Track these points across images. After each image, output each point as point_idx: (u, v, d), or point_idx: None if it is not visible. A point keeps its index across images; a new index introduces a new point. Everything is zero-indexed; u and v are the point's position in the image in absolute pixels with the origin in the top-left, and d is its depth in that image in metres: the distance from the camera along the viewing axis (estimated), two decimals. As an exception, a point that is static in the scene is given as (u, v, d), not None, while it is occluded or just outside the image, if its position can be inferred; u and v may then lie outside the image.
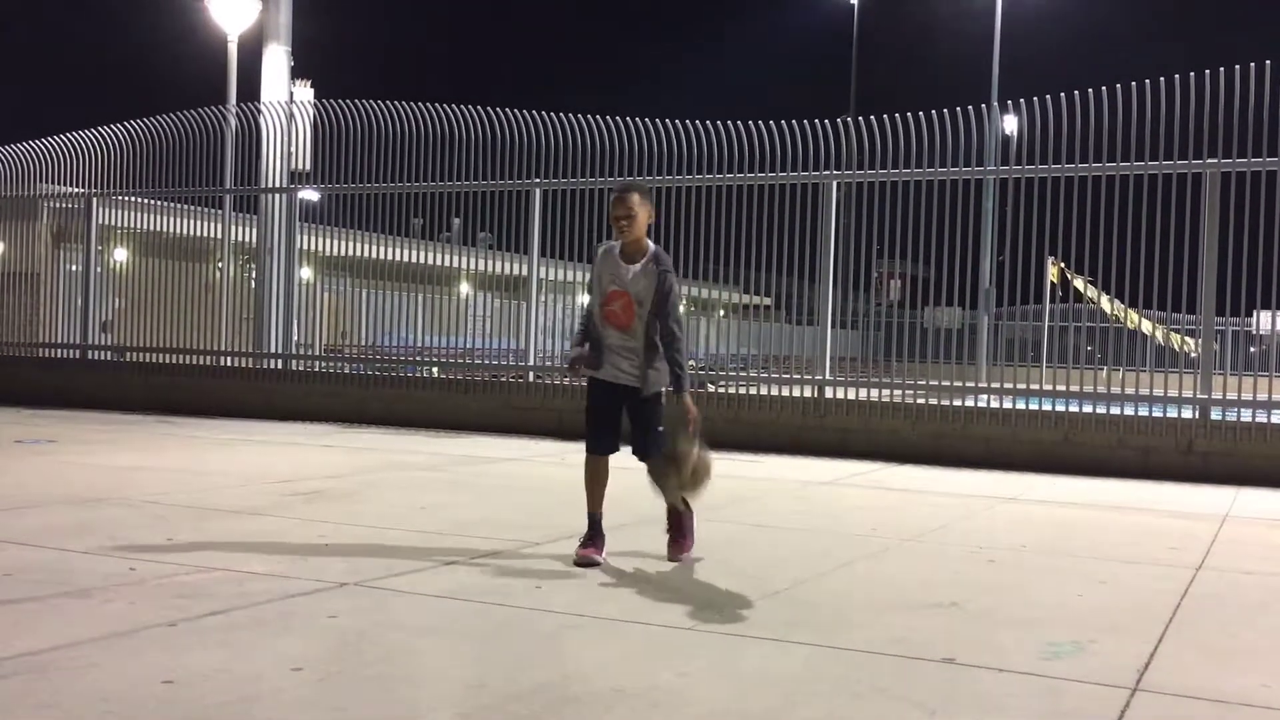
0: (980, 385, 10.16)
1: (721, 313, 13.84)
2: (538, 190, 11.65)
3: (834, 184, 10.51)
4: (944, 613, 4.18)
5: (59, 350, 13.86)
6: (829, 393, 10.37)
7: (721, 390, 10.98)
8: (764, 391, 10.64)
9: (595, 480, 5.08)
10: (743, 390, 10.78)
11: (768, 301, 12.02)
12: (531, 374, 11.69)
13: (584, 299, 12.92)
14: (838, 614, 4.11)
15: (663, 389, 5.04)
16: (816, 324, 10.69)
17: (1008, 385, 9.99)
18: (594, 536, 4.96)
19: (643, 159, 11.15)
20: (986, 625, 4.02)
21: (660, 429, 5.01)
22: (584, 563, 4.79)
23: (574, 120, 11.43)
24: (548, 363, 11.83)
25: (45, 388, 13.33)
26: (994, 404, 9.83)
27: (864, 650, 3.60)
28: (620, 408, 5.04)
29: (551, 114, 11.54)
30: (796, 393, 10.45)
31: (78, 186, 13.61)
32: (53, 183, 13.86)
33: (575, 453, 9.61)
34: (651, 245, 5.04)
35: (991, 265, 13.21)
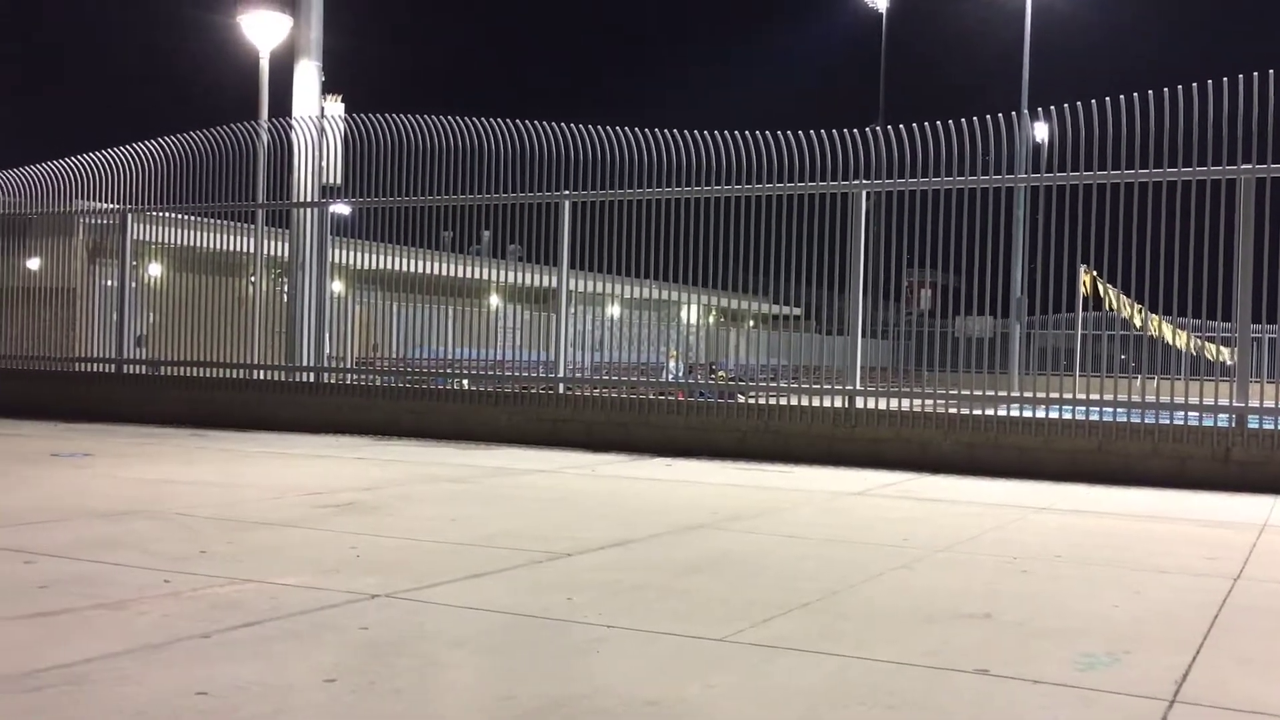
0: (1013, 395, 10.09)
1: (751, 323, 13.82)
2: (567, 202, 11.69)
3: (863, 193, 10.48)
4: (977, 624, 4.14)
5: (95, 364, 14.02)
6: (860, 403, 10.33)
7: (752, 400, 10.96)
8: (794, 402, 10.60)
9: None
10: (773, 400, 10.75)
11: (798, 311, 11.99)
12: (561, 386, 11.71)
13: (614, 311, 13.00)
14: (869, 625, 4.09)
15: None
16: (847, 334, 10.65)
17: (1040, 394, 9.92)
18: None
19: (671, 170, 11.17)
20: (1021, 636, 3.98)
21: None
22: None
23: (602, 132, 11.46)
24: (578, 374, 11.85)
25: (81, 401, 13.49)
26: (1027, 413, 9.76)
27: (896, 662, 3.57)
28: None
29: (580, 126, 11.59)
30: (827, 403, 10.41)
31: (112, 202, 13.78)
32: (88, 199, 14.05)
33: (606, 464, 9.68)
34: None
35: (1023, 274, 13.12)
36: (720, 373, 12.53)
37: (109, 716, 2.89)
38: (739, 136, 10.94)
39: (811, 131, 10.62)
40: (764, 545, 5.82)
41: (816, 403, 10.46)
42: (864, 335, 10.53)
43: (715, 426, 10.74)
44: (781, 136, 10.74)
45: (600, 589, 4.58)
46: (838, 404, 10.39)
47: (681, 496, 7.89)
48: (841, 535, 6.27)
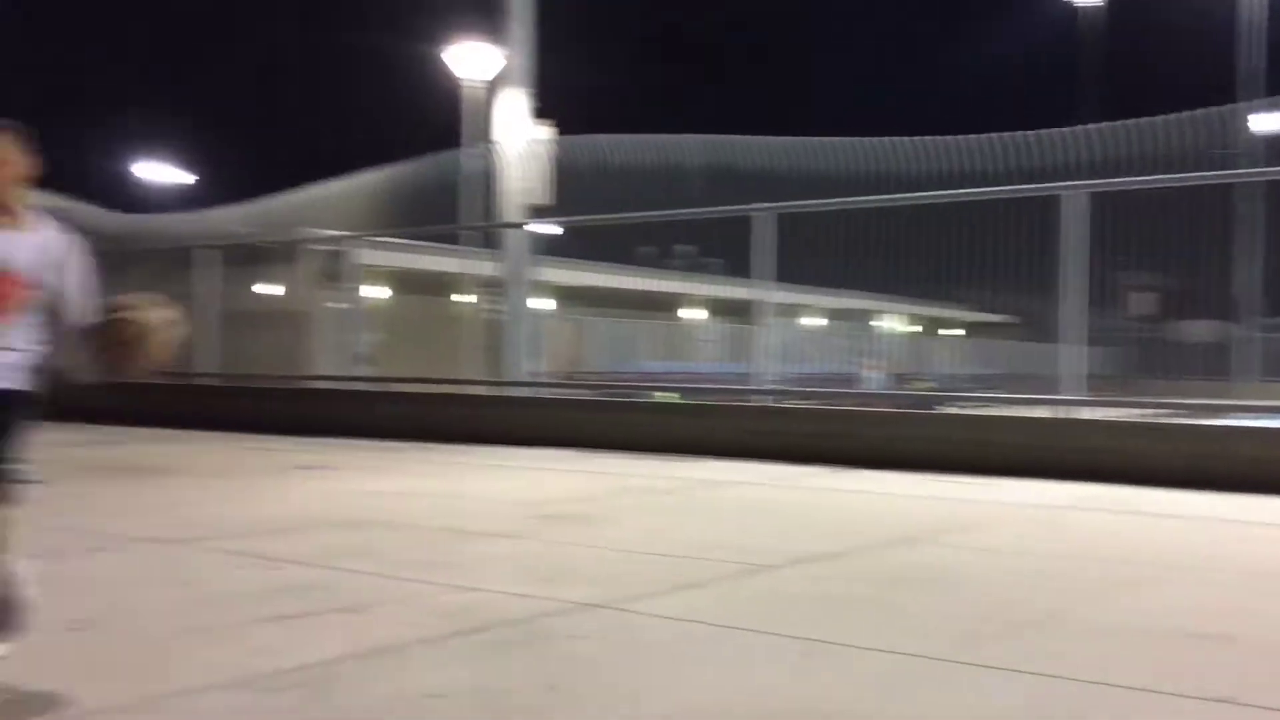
0: (1242, 403, 9.50)
1: (954, 331, 13.50)
2: (768, 215, 11.72)
3: (1073, 195, 10.09)
4: (1217, 647, 3.94)
5: (324, 382, 14.96)
6: (1072, 412, 9.94)
7: (957, 411, 10.70)
8: (1001, 412, 10.29)
9: None
10: (979, 410, 10.47)
11: (1003, 319, 11.64)
12: (764, 398, 11.74)
13: (814, 321, 12.96)
14: (1092, 647, 3.95)
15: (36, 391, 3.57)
16: (1058, 340, 10.28)
17: (1274, 401, 9.30)
18: None
19: (870, 178, 11.07)
20: (1270, 663, 3.76)
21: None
22: None
23: (799, 144, 11.46)
24: (778, 386, 11.86)
25: (312, 417, 14.40)
26: (1261, 423, 9.16)
27: (1126, 686, 3.43)
28: None
29: (777, 139, 11.63)
30: (1037, 412, 10.06)
31: (340, 229, 14.71)
32: (318, 227, 15.04)
33: (808, 476, 9.65)
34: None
35: (1251, 274, 12.32)
36: (923, 382, 12.30)
37: (349, 716, 3.12)
38: (936, 142, 10.73)
39: (1012, 134, 10.32)
40: (974, 560, 5.70)
41: (1025, 412, 10.13)
42: (1077, 342, 10.12)
43: (919, 437, 10.53)
44: (984, 140, 10.47)
45: (808, 602, 4.60)
46: (1048, 414, 10.02)
47: (887, 509, 7.80)
48: (1057, 550, 6.07)
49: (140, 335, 3.47)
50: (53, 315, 3.51)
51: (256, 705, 3.19)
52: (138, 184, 38.46)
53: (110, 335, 3.48)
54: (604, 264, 13.03)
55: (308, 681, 3.41)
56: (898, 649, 3.83)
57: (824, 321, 12.63)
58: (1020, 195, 10.31)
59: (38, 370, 3.54)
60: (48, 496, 8.02)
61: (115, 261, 17.69)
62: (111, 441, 12.86)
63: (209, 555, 5.54)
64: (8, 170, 3.40)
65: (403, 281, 15.10)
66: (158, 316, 3.53)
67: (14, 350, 3.44)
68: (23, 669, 3.48)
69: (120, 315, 3.50)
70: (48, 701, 3.18)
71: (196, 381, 16.07)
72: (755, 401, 11.84)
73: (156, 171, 37.32)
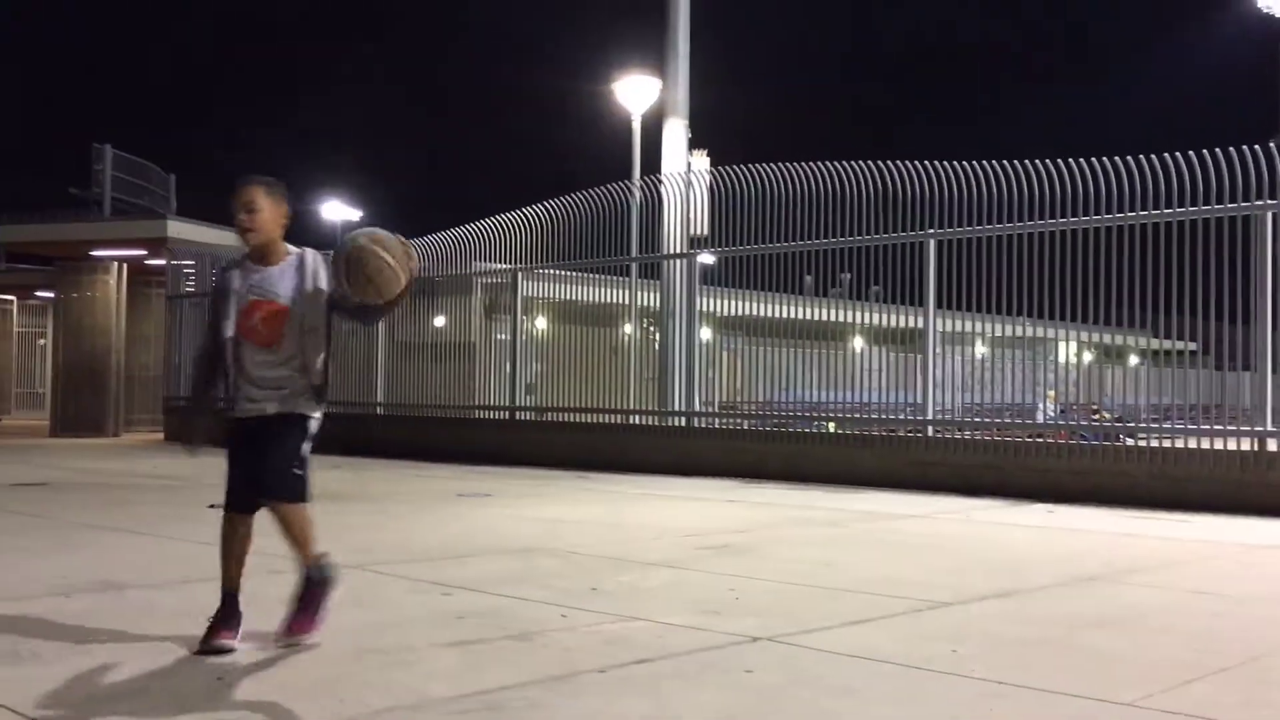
0: None
1: (1134, 360, 12.86)
2: (932, 241, 11.44)
3: (1269, 215, 9.51)
4: None
5: (490, 411, 15.28)
6: (1273, 445, 9.31)
7: (1142, 443, 10.16)
8: (1192, 444, 9.72)
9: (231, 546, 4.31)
10: (1167, 443, 9.92)
11: (1190, 346, 11.02)
12: (930, 428, 11.42)
13: (983, 350, 12.54)
14: (1303, 697, 3.65)
15: (306, 413, 4.23)
16: (1253, 368, 9.67)
17: None
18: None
19: (1043, 201, 10.67)
20: None
21: (296, 463, 4.18)
22: (213, 649, 3.97)
23: (966, 168, 11.15)
24: (946, 416, 11.51)
25: (477, 445, 14.73)
26: None
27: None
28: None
29: (943, 163, 11.34)
30: (1232, 444, 9.47)
31: (504, 263, 15.03)
32: (484, 261, 15.41)
33: (980, 509, 9.31)
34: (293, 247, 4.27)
35: None
36: (1102, 413, 11.73)
37: (525, 742, 3.12)
38: (1114, 162, 10.27)
39: (1204, 151, 9.79)
40: (1169, 601, 5.36)
41: (1219, 444, 9.54)
42: (1276, 370, 9.50)
43: (1101, 470, 10.05)
44: (1167, 159, 9.97)
45: (987, 641, 4.40)
46: (1245, 446, 9.42)
47: (1068, 545, 7.45)
48: (1262, 592, 5.67)
49: (367, 265, 3.92)
50: (310, 332, 4.17)
51: (432, 729, 3.22)
52: (317, 221, 40.34)
53: (350, 267, 3.95)
54: (762, 293, 12.92)
55: (486, 706, 3.42)
56: (1084, 693, 3.62)
57: (991, 350, 12.20)
58: (1211, 216, 9.76)
59: (303, 391, 4.20)
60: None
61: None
62: (290, 468, 13.42)
63: (383, 579, 5.67)
64: (269, 217, 4.16)
65: (565, 312, 15.32)
66: (384, 249, 3.95)
67: (282, 373, 4.17)
68: (211, 687, 3.61)
69: (357, 248, 3.95)
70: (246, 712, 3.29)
71: (363, 411, 16.64)
72: (921, 431, 11.51)
73: (335, 210, 39.06)
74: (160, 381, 21.50)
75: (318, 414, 4.30)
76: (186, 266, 20.55)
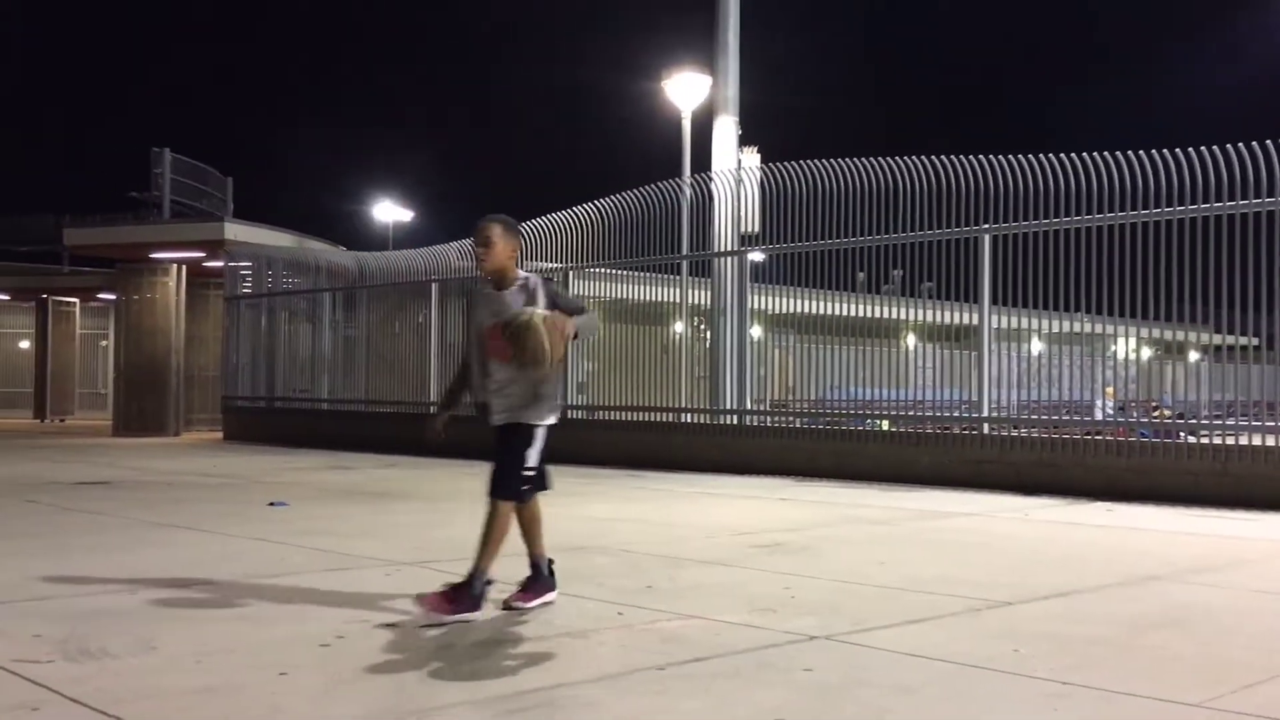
0: None
1: (1195, 356, 12.64)
2: (987, 236, 11.32)
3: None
4: None
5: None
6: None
7: (1205, 441, 9.98)
8: (1258, 441, 9.53)
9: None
10: (1230, 440, 9.73)
11: (1254, 341, 10.81)
12: (985, 426, 11.30)
13: (1039, 346, 12.38)
14: (1376, 700, 3.57)
15: (534, 423, 4.90)
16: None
17: None
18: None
19: (1101, 195, 10.52)
20: None
21: (528, 464, 4.88)
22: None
23: (1021, 161, 11.02)
24: (1002, 414, 11.39)
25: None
26: None
27: None
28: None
29: (996, 158, 11.20)
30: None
31: (555, 261, 15.09)
32: (535, 260, 15.47)
33: (1038, 508, 9.21)
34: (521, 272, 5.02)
35: None
36: (1162, 410, 11.54)
37: (584, 739, 3.14)
38: (1169, 155, 10.09)
39: (1256, 143, 9.59)
40: (1235, 601, 5.27)
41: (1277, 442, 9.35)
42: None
43: (1162, 469, 9.89)
44: (1230, 150, 9.78)
45: (1048, 641, 4.35)
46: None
47: (1129, 544, 7.34)
48: (1328, 593, 5.55)
49: (524, 336, 4.59)
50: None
51: (493, 726, 3.24)
52: (369, 221, 40.74)
53: (510, 335, 4.64)
54: (813, 290, 12.85)
55: (544, 703, 3.45)
56: (1149, 694, 3.57)
57: (1047, 346, 12.05)
58: (1276, 208, 9.55)
59: (531, 401, 4.83)
60: (293, 519, 8.47)
61: (351, 296, 18.73)
62: (344, 467, 13.57)
63: (442, 577, 5.71)
64: (500, 250, 4.88)
65: (616, 311, 15.34)
66: (540, 322, 4.60)
67: (516, 384, 4.81)
68: (277, 686, 3.66)
69: (515, 320, 4.64)
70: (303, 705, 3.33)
71: (417, 410, 16.79)
72: (976, 429, 11.40)
73: (386, 210, 39.44)
74: (218, 382, 21.86)
75: (547, 421, 4.94)
76: (244, 268, 20.87)
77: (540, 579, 5.02)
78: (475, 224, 4.94)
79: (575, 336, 4.83)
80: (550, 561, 5.07)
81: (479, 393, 4.98)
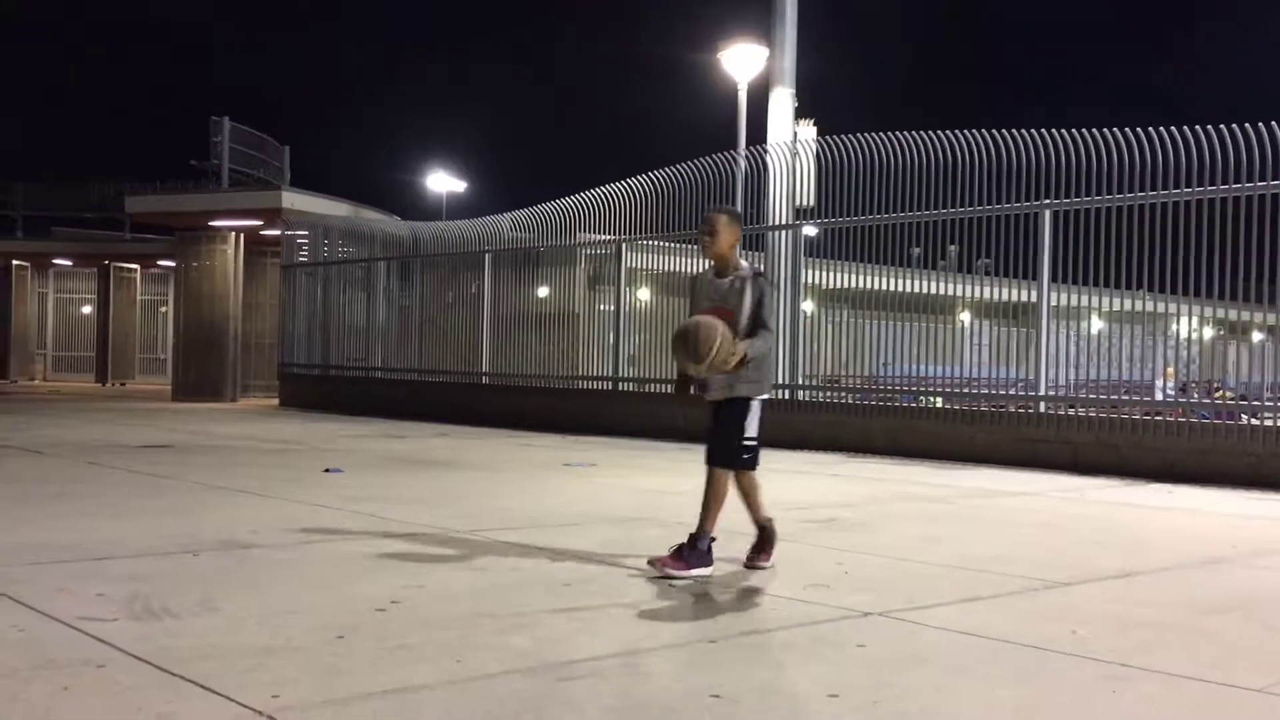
0: None
1: (1260, 335, 12.36)
2: (1047, 212, 11.13)
3: None
4: None
5: (593, 381, 15.38)
6: None
7: (1269, 422, 9.77)
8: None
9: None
10: (1293, 423, 9.52)
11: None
12: (1042, 404, 11.15)
13: (1098, 325, 12.16)
14: None
15: (747, 395, 5.21)
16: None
17: None
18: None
19: (1164, 171, 10.29)
20: None
21: (743, 437, 5.21)
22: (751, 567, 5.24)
23: (1084, 136, 10.80)
24: (1059, 392, 11.23)
25: (579, 415, 14.86)
26: None
27: None
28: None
29: (1057, 131, 11.00)
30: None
31: (609, 234, 15.07)
32: (588, 232, 15.47)
33: (1095, 489, 9.08)
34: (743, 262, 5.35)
35: None
36: (1224, 391, 11.31)
37: (637, 709, 3.14)
38: (1236, 129, 9.84)
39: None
40: (1296, 587, 5.17)
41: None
42: None
43: (1224, 450, 9.71)
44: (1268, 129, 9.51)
45: (1108, 623, 4.29)
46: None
47: (1190, 526, 7.22)
48: (1396, 581, 5.42)
49: (692, 342, 4.95)
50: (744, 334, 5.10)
51: (554, 693, 3.26)
52: (422, 191, 40.95)
53: (680, 340, 5.04)
54: (867, 264, 12.71)
55: (597, 672, 3.46)
56: (1211, 678, 3.51)
57: (1107, 324, 11.84)
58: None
59: (744, 378, 5.15)
60: (348, 485, 8.57)
61: (405, 266, 18.86)
62: (398, 435, 13.71)
63: (493, 546, 5.76)
64: (724, 240, 5.26)
65: (668, 284, 15.30)
66: (705, 332, 4.95)
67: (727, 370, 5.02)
68: (334, 649, 3.71)
69: (684, 327, 5.05)
70: (347, 671, 3.38)
71: (469, 380, 16.90)
72: (1032, 408, 11.25)
73: (440, 181, 39.59)
74: (274, 349, 22.15)
75: (762, 395, 5.27)
76: (300, 236, 21.08)
77: (767, 538, 5.32)
78: (704, 214, 5.40)
79: (744, 360, 5.02)
80: (712, 539, 5.22)
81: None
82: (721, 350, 4.89)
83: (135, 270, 31.00)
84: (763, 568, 5.23)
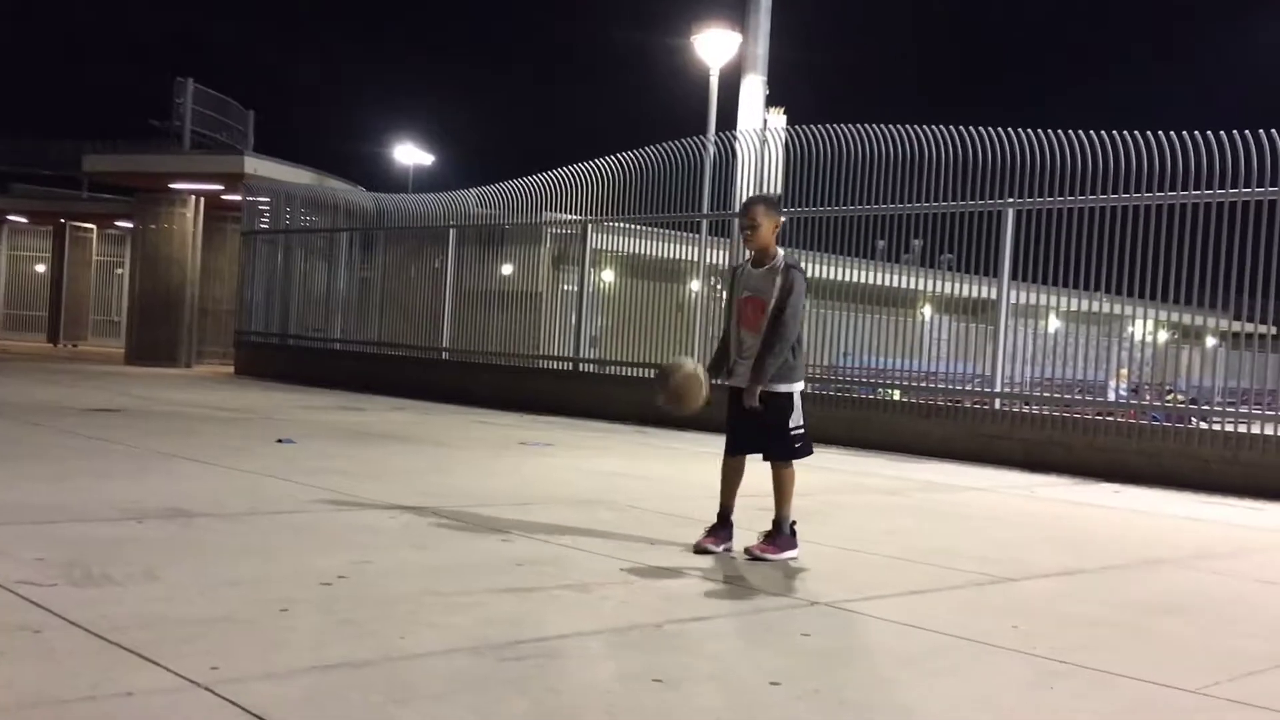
0: None
1: (1211, 341, 12.54)
2: (1011, 210, 11.21)
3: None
4: None
5: (554, 362, 15.33)
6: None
7: (1217, 427, 9.92)
8: (1271, 430, 9.47)
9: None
10: (1243, 428, 9.67)
11: (1272, 330, 10.70)
12: (998, 401, 11.25)
13: (1055, 324, 12.29)
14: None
15: (787, 390, 5.30)
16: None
17: None
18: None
19: (1126, 175, 10.39)
20: None
21: (791, 430, 5.32)
22: (700, 550, 5.26)
23: (1049, 137, 10.88)
24: (1015, 390, 11.33)
25: (540, 395, 14.82)
26: None
27: None
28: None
29: (1025, 131, 11.07)
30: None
31: (575, 214, 15.01)
32: (554, 211, 15.39)
33: (1045, 486, 9.19)
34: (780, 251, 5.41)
35: None
36: (1175, 394, 11.47)
37: (576, 693, 3.14)
38: (1197, 137, 9.95)
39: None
40: (1240, 589, 5.25)
41: (1295, 433, 9.29)
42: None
43: (1171, 452, 9.85)
44: (1255, 136, 9.63)
45: (1050, 620, 4.34)
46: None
47: (1135, 527, 7.32)
48: (1332, 587, 5.52)
49: (668, 383, 5.33)
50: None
51: (500, 672, 3.24)
52: (389, 163, 40.61)
53: (662, 380, 5.43)
54: (832, 255, 12.75)
55: (543, 653, 3.45)
56: (1149, 678, 3.56)
57: (1064, 324, 11.96)
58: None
59: (781, 371, 5.25)
60: (301, 456, 8.49)
61: (369, 237, 18.69)
62: (354, 407, 13.61)
63: (443, 523, 5.74)
64: (765, 231, 5.31)
65: (632, 266, 15.27)
66: (680, 375, 5.33)
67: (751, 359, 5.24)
68: (277, 622, 3.68)
69: (665, 367, 5.46)
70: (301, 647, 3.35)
71: (429, 356, 16.80)
72: (988, 404, 11.36)
73: (408, 153, 39.26)
74: (232, 315, 21.90)
75: (797, 387, 5.36)
76: (262, 203, 20.83)
77: (781, 534, 5.31)
78: (742, 204, 5.44)
79: (761, 402, 5.23)
80: (793, 523, 5.34)
81: (731, 358, 5.43)
82: (690, 399, 5.23)
83: (92, 230, 30.51)
84: (767, 558, 5.18)
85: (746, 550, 5.21)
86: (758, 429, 5.33)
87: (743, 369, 5.32)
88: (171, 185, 21.43)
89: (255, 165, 20.75)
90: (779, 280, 5.23)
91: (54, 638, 3.30)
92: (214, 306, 22.83)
